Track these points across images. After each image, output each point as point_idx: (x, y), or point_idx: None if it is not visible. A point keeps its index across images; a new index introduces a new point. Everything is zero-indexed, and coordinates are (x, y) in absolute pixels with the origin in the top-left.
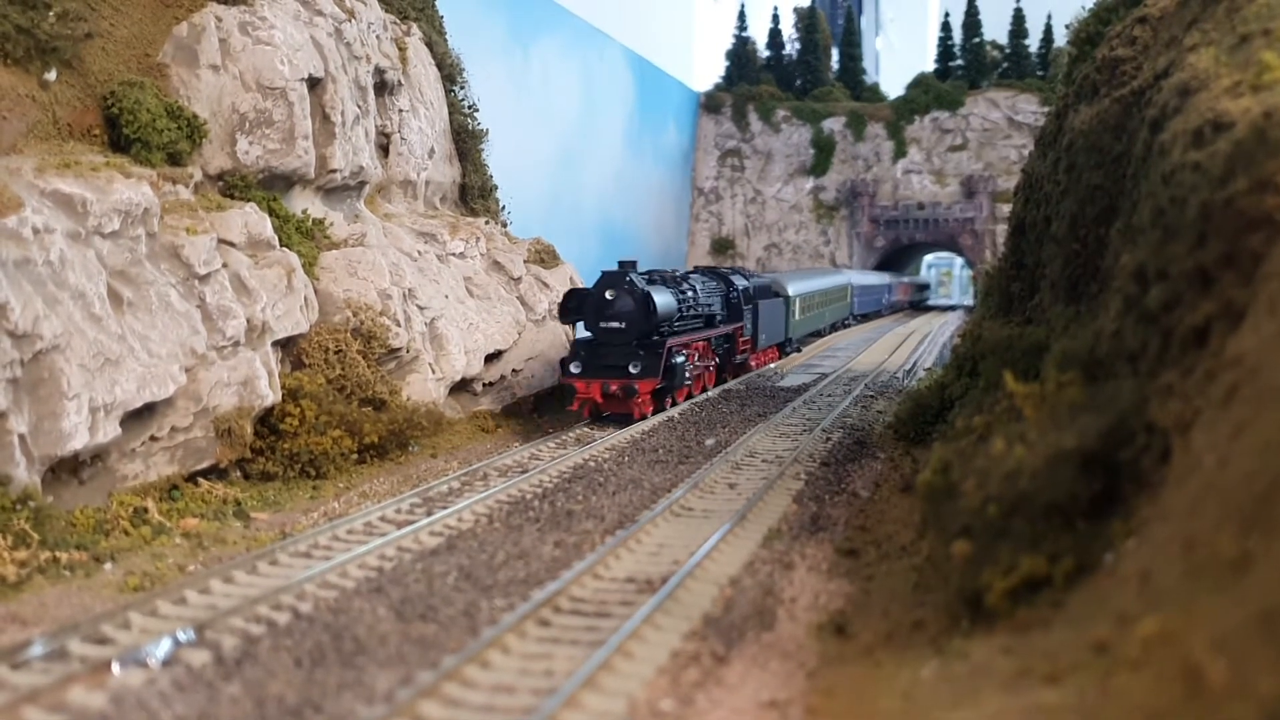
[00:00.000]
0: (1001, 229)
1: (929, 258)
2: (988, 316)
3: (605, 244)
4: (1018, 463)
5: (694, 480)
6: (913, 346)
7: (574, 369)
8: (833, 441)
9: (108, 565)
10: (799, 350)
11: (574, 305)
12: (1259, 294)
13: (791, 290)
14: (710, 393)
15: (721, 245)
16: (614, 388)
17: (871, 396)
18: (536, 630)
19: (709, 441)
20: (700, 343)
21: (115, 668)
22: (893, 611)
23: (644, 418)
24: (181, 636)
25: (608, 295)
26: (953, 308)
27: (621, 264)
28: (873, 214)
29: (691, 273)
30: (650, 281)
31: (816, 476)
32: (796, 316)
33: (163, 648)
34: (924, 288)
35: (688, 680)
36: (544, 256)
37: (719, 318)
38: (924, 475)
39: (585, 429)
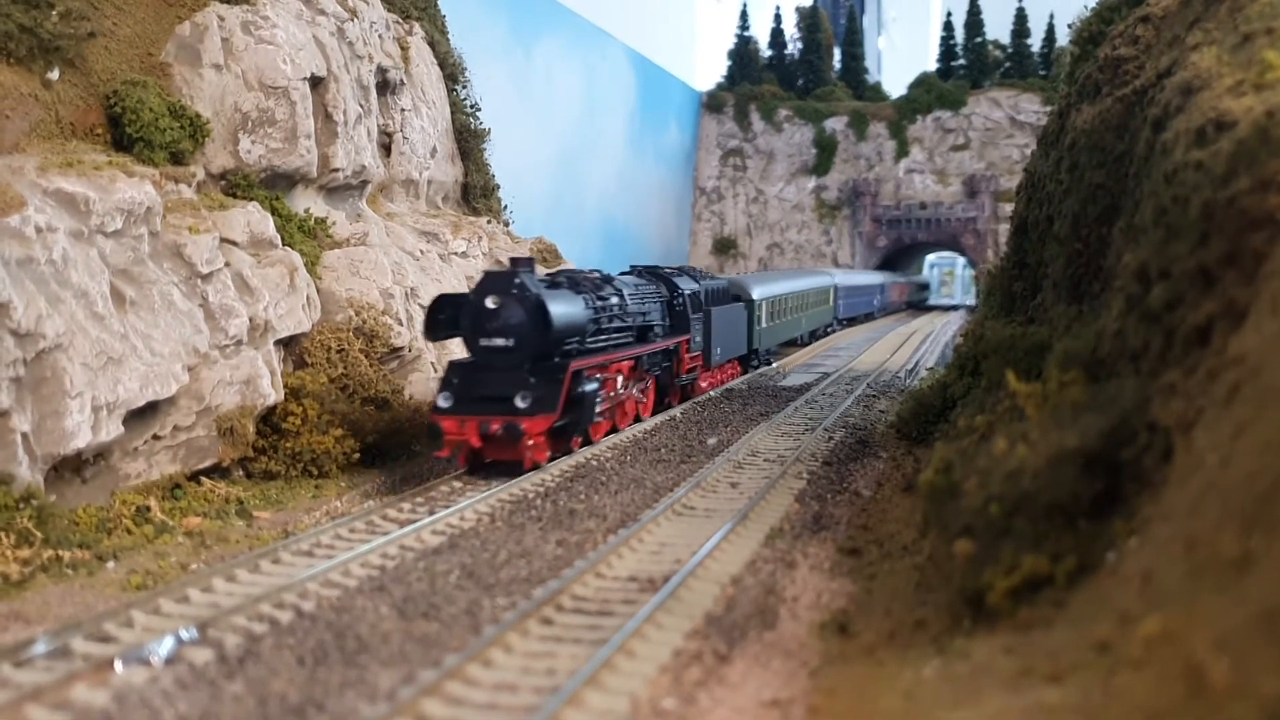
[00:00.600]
0: (1004, 228)
1: (931, 257)
2: (990, 316)
3: (607, 243)
4: (1020, 462)
5: (696, 479)
6: (914, 346)
7: (442, 403)
8: (835, 441)
9: (110, 564)
10: (768, 363)
11: (446, 317)
12: (1261, 293)
13: (756, 293)
14: (712, 394)
15: (723, 245)
16: (495, 427)
17: (873, 396)
18: (539, 629)
19: (711, 440)
20: (625, 362)
21: (118, 666)
22: (895, 611)
23: (536, 467)
24: (184, 635)
25: (489, 303)
26: (955, 307)
27: (513, 261)
28: (875, 213)
29: (625, 273)
30: (552, 285)
31: (818, 476)
32: (763, 324)
33: (165, 646)
34: (924, 287)
35: (690, 679)
36: (546, 256)
37: (657, 329)
38: (926, 474)
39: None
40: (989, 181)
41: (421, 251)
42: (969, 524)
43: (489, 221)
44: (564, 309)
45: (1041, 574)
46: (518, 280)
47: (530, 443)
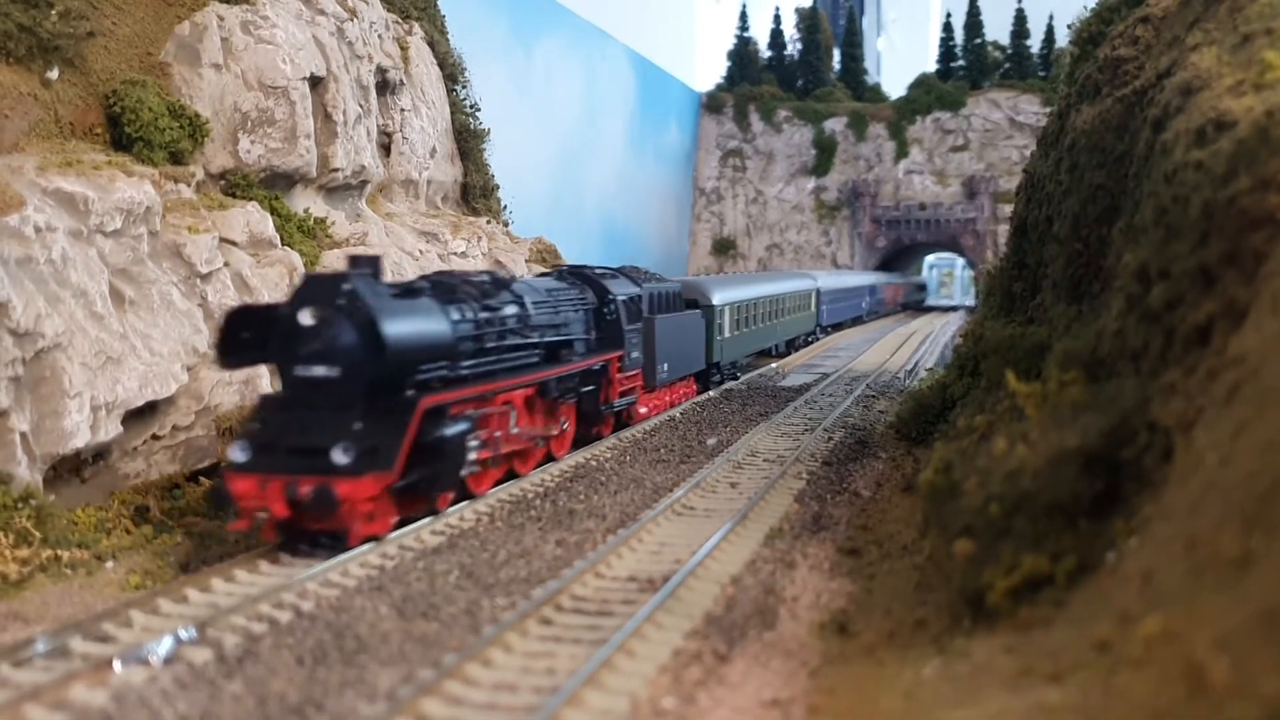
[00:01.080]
0: (1003, 229)
1: (930, 258)
2: (990, 316)
3: (607, 244)
4: (1020, 462)
5: (696, 479)
6: (914, 347)
7: (237, 455)
8: (834, 441)
9: (109, 564)
10: (735, 378)
11: (250, 336)
12: (1261, 293)
13: (716, 298)
14: (711, 393)
15: (723, 246)
16: (305, 490)
17: (873, 396)
18: (538, 629)
19: (710, 441)
20: (522, 390)
21: (117, 665)
22: (895, 610)
23: (372, 540)
24: (183, 634)
25: (305, 319)
26: (954, 308)
27: (352, 260)
28: (874, 214)
29: (545, 275)
30: (406, 293)
31: (818, 476)
32: (725, 334)
33: (164, 646)
34: (921, 288)
35: (690, 678)
36: (546, 256)
37: (578, 345)
38: (926, 474)
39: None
40: (988, 182)
41: (421, 252)
42: (969, 524)
43: (488, 222)
44: (409, 327)
45: (1041, 574)
46: (347, 287)
47: (355, 510)
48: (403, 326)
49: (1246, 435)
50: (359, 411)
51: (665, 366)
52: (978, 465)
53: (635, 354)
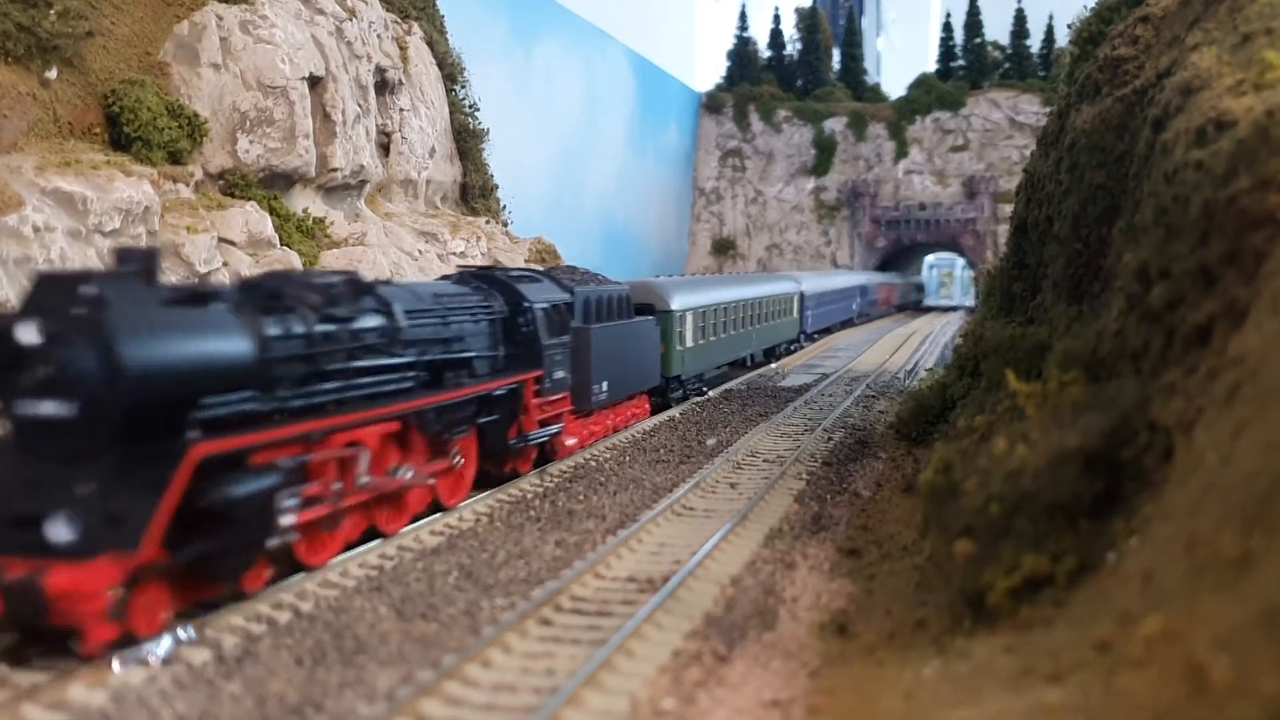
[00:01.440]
0: (1003, 229)
1: (930, 258)
2: (990, 316)
3: (607, 244)
4: (1020, 462)
5: (695, 480)
6: (913, 348)
7: None
8: (834, 441)
9: None
10: (701, 392)
11: None
12: (1261, 292)
13: (676, 303)
14: (711, 394)
15: (723, 246)
16: (14, 576)
17: (873, 396)
18: (538, 629)
19: (710, 441)
20: (380, 426)
21: (116, 666)
22: (895, 611)
23: (131, 643)
24: (182, 635)
25: (25, 336)
26: (954, 308)
27: (122, 254)
28: (874, 214)
29: (444, 279)
30: (188, 301)
31: (818, 476)
32: (687, 343)
33: (163, 646)
34: (919, 288)
35: (690, 679)
36: (545, 256)
37: (481, 364)
38: (926, 475)
39: None
40: (988, 182)
41: (420, 252)
42: (969, 524)
43: (488, 221)
44: (176, 346)
45: (1042, 574)
46: (88, 292)
47: (84, 607)
48: (162, 346)
49: (1246, 435)
50: (102, 465)
51: (604, 385)
52: (978, 465)
53: (560, 373)
